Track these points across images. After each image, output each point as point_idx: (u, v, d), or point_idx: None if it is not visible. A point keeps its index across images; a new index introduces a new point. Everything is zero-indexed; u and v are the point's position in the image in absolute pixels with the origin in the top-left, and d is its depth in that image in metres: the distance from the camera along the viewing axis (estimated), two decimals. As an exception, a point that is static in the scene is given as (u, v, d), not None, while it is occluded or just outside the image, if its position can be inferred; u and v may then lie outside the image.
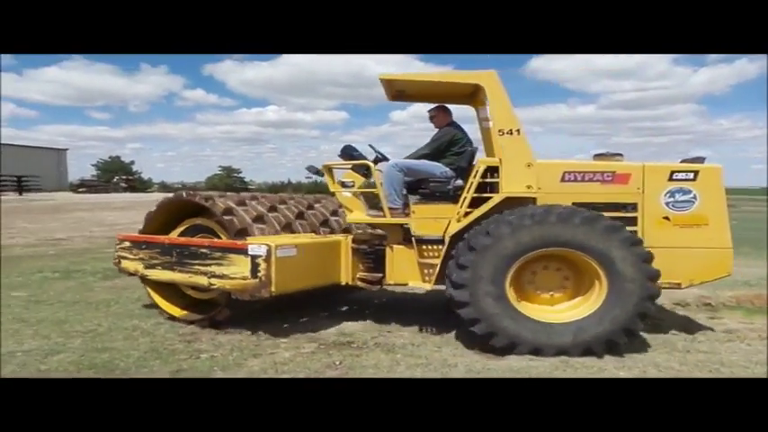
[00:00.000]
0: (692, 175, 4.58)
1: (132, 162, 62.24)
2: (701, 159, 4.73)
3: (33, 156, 51.10)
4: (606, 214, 4.37)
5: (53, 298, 6.30)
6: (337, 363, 4.08)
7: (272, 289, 4.42)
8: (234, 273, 4.57)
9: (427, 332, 4.96)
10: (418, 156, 5.14)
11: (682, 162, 4.80)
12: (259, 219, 5.23)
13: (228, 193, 5.84)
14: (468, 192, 4.69)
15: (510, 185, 4.61)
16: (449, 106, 5.49)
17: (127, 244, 5.50)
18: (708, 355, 4.31)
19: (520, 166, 4.62)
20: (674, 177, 4.59)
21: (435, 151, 5.14)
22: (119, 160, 60.96)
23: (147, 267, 5.28)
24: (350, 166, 5.12)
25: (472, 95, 5.50)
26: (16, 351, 4.25)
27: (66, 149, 59.05)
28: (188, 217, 5.57)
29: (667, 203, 4.58)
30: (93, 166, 61.06)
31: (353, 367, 3.99)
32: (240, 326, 5.08)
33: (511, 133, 4.64)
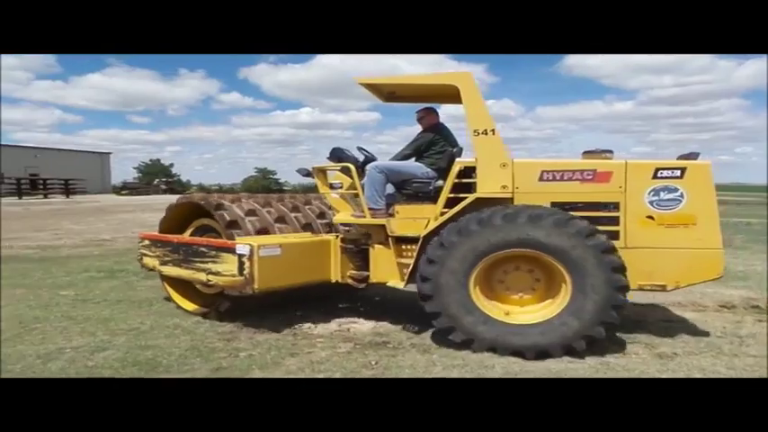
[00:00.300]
0: (678, 173, 4.39)
1: (171, 165, 64.01)
2: (694, 155, 4.55)
3: (79, 160, 53.07)
4: (587, 214, 4.35)
5: (98, 297, 6.52)
6: (373, 363, 4.10)
7: (255, 286, 4.60)
8: (226, 270, 4.81)
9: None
10: (400, 156, 5.20)
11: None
12: (251, 214, 5.47)
13: (233, 195, 6.18)
14: (445, 192, 4.71)
15: (485, 186, 4.59)
16: (436, 108, 5.50)
17: (147, 242, 5.87)
18: (757, 359, 4.15)
19: (494, 166, 4.58)
20: (659, 175, 4.42)
21: (415, 152, 5.20)
22: (159, 163, 62.78)
23: (161, 264, 5.61)
24: (339, 168, 5.24)
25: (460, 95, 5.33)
26: (65, 347, 4.42)
27: (110, 153, 61.12)
28: (197, 218, 5.89)
29: (651, 202, 4.42)
30: (134, 168, 63.09)
31: (389, 367, 4.00)
32: (277, 325, 5.17)
33: (486, 133, 4.60)
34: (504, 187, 4.58)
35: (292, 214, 5.78)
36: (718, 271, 4.36)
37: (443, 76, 4.95)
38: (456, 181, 4.67)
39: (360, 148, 5.34)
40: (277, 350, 4.41)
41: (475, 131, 4.62)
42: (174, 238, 5.61)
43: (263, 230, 5.42)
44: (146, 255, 5.87)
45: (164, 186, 51.44)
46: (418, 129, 5.37)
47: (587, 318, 4.10)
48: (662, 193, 4.41)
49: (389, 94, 5.58)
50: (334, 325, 5.27)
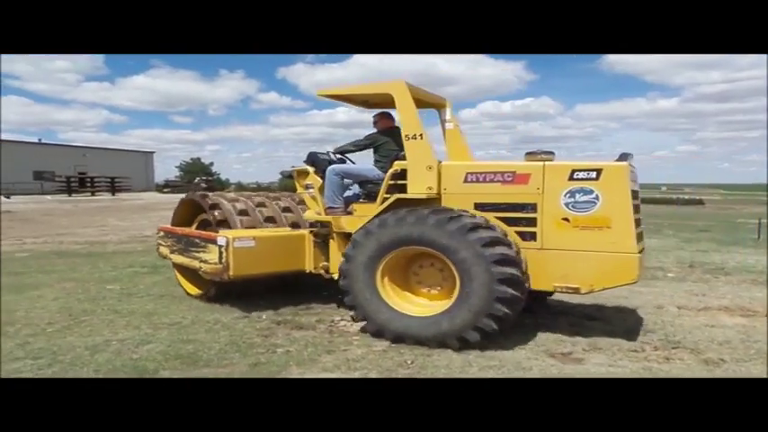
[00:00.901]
0: (594, 175, 4.34)
1: (211, 163, 65.54)
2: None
3: (124, 159, 54.90)
4: (505, 215, 4.60)
5: (142, 291, 6.73)
6: (409, 362, 4.09)
7: (231, 273, 5.20)
8: (210, 259, 5.42)
9: (502, 334, 4.86)
10: (341, 150, 5.60)
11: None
12: (243, 213, 6.03)
13: (234, 194, 6.89)
14: (381, 192, 4.98)
15: (413, 187, 4.81)
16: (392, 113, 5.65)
17: (162, 234, 6.63)
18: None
19: (421, 168, 4.78)
20: (575, 177, 4.40)
21: (357, 149, 5.56)
22: (199, 162, 64.34)
23: (171, 252, 6.32)
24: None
25: (430, 102, 5.71)
26: (112, 340, 4.58)
27: (153, 152, 62.99)
28: (200, 213, 6.54)
29: (567, 204, 4.41)
30: (176, 167, 64.84)
31: (425, 366, 3.99)
32: (314, 322, 5.22)
33: (415, 138, 4.80)
34: (429, 188, 4.76)
35: (284, 214, 6.35)
36: (633, 276, 4.26)
37: (380, 86, 5.16)
38: (391, 182, 4.92)
39: (328, 152, 5.72)
40: (313, 347, 4.45)
41: (406, 136, 4.84)
42: (179, 230, 6.33)
43: (250, 228, 5.90)
44: (161, 245, 6.59)
45: (204, 185, 52.71)
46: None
47: (474, 310, 4.27)
48: (577, 195, 4.39)
49: (362, 101, 5.88)
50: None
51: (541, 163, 4.55)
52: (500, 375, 3.85)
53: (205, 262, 5.50)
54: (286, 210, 6.43)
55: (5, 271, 8.19)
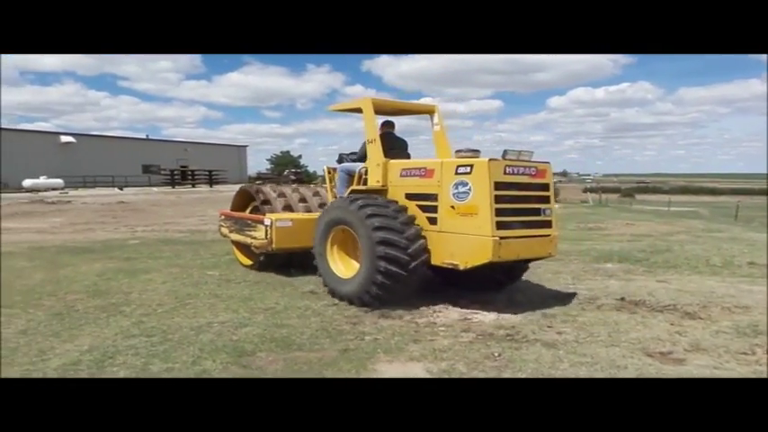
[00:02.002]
0: (468, 169, 5.10)
1: (300, 156, 67.84)
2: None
3: (220, 152, 58.11)
4: (420, 203, 5.53)
5: (239, 278, 7.14)
6: (496, 354, 4.05)
7: (274, 246, 6.68)
8: (259, 236, 6.97)
9: (594, 330, 4.69)
10: (353, 159, 6.70)
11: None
12: (281, 195, 7.69)
13: (278, 186, 8.79)
14: (354, 185, 6.27)
15: (370, 181, 6.07)
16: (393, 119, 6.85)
17: (223, 217, 8.37)
18: None
19: (373, 166, 6.02)
20: (459, 171, 5.19)
21: (361, 154, 6.50)
22: (288, 155, 66.84)
23: (230, 232, 8.03)
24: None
25: (418, 109, 7.22)
26: (213, 322, 4.91)
27: (246, 146, 66.15)
28: (252, 200, 8.06)
29: (453, 194, 5.21)
30: (267, 160, 67.79)
31: (513, 360, 3.93)
32: (400, 312, 5.29)
33: (372, 142, 6.07)
34: (377, 181, 5.95)
35: (314, 198, 7.88)
36: (488, 256, 4.91)
37: (353, 102, 6.64)
38: (365, 177, 6.22)
39: (349, 155, 6.87)
40: (400, 336, 4.52)
41: (367, 140, 6.16)
42: (236, 214, 8.06)
43: (287, 208, 7.51)
44: (222, 226, 8.33)
45: (293, 177, 54.73)
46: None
47: (365, 277, 5.36)
48: (459, 187, 5.17)
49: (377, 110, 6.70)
50: (455, 314, 5.28)
51: (440, 160, 5.56)
52: (593, 373, 3.71)
53: (255, 238, 7.06)
54: (316, 194, 8.01)
55: (122, 256, 9.01)
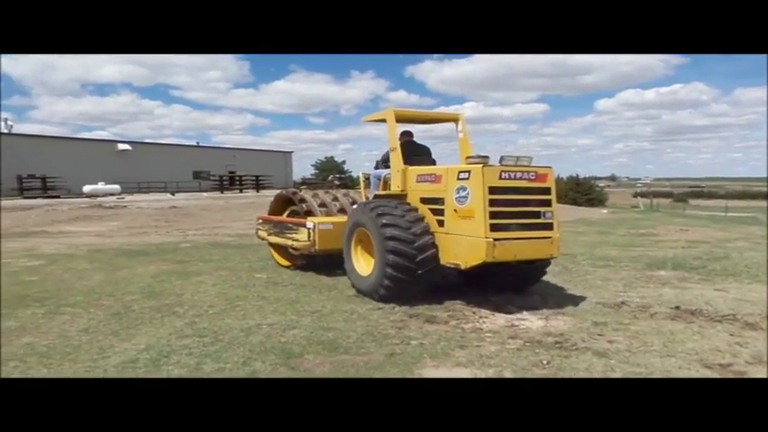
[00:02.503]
0: (467, 175, 5.42)
1: (344, 162, 68.46)
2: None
3: (266, 158, 59.35)
4: (431, 207, 5.89)
5: (286, 281, 7.28)
6: (545, 362, 3.97)
7: (317, 247, 7.10)
8: (301, 238, 7.39)
9: (647, 339, 4.53)
10: (378, 167, 7.34)
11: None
12: (322, 205, 7.97)
13: (309, 190, 9.54)
14: (378, 190, 6.87)
15: (393, 186, 6.54)
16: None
17: (260, 221, 8.96)
18: None
19: (395, 172, 6.49)
20: (459, 177, 5.51)
21: (382, 160, 7.20)
22: (333, 160, 67.58)
23: (268, 235, 8.54)
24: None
25: (444, 118, 7.81)
26: (262, 324, 5.01)
27: (291, 152, 67.36)
28: (291, 205, 8.64)
29: (456, 198, 5.54)
30: (312, 165, 68.77)
31: (563, 368, 3.84)
32: (445, 317, 5.27)
33: (393, 150, 6.53)
34: (398, 186, 6.41)
35: (345, 199, 8.26)
36: (482, 256, 5.18)
37: (379, 114, 7.06)
38: (389, 183, 6.69)
39: (379, 162, 7.40)
40: (446, 341, 4.50)
41: (390, 149, 6.60)
42: (275, 218, 8.58)
43: (325, 211, 7.89)
44: (259, 229, 8.90)
45: (337, 182, 55.33)
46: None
47: (379, 273, 5.82)
48: (460, 192, 5.49)
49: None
50: (502, 320, 5.22)
51: (446, 167, 5.89)
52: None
53: (297, 240, 7.52)
54: (354, 203, 8.11)
55: (175, 259, 9.33)
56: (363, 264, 6.38)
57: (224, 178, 44.04)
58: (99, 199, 28.46)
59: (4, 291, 6.59)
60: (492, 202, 5.23)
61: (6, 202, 24.92)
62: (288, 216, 8.56)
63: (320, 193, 8.59)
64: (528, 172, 5.48)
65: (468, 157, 5.81)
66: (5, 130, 40.59)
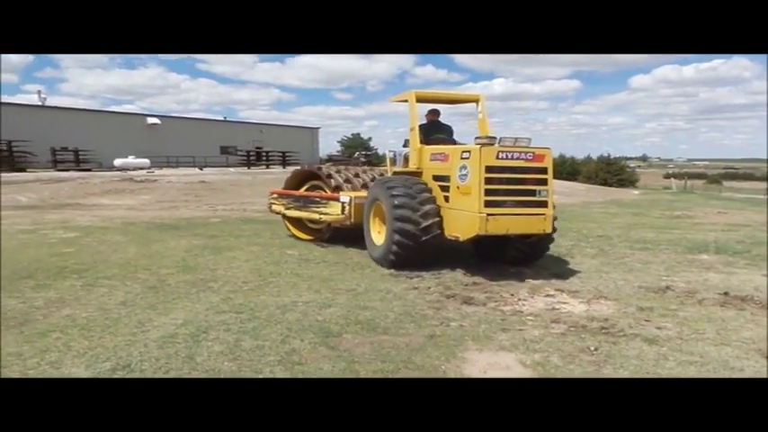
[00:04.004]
0: (468, 155, 5.85)
1: (370, 138, 68.21)
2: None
3: (293, 134, 59.39)
4: (440, 184, 6.39)
5: (318, 258, 7.23)
6: (592, 348, 3.83)
7: (352, 220, 7.38)
8: (332, 212, 7.73)
9: (698, 327, 4.34)
10: (406, 145, 7.43)
11: (475, 140, 6.01)
12: (347, 181, 8.27)
13: (333, 166, 9.77)
14: (400, 167, 7.40)
15: (411, 164, 7.00)
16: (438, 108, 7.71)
17: (275, 195, 9.22)
18: None
19: (413, 151, 6.98)
20: (462, 156, 5.93)
21: (410, 140, 7.26)
22: (359, 137, 67.44)
23: (286, 209, 8.77)
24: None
25: (465, 98, 8.03)
26: (297, 302, 4.96)
27: (318, 128, 67.15)
28: (309, 180, 8.98)
29: (458, 176, 5.98)
30: (338, 142, 68.67)
31: (612, 356, 3.70)
32: (483, 298, 5.15)
33: (413, 130, 6.99)
34: (414, 164, 6.92)
35: (363, 176, 8.59)
36: (476, 229, 5.66)
37: (403, 95, 7.36)
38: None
39: (408, 140, 7.44)
40: (487, 324, 4.38)
41: (411, 129, 7.04)
42: (297, 192, 8.78)
43: (348, 185, 8.23)
44: (273, 203, 9.19)
45: (363, 159, 55.18)
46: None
47: (387, 243, 6.38)
48: (462, 170, 5.92)
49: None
50: (541, 303, 5.07)
51: (453, 146, 6.55)
52: (703, 374, 3.44)
53: (327, 214, 7.82)
54: (374, 179, 8.28)
55: (206, 233, 9.38)
56: (378, 235, 6.94)
57: (251, 153, 44.23)
58: (129, 172, 28.87)
59: (45, 261, 6.70)
60: (488, 180, 5.66)
61: (41, 174, 25.47)
62: (307, 189, 8.82)
63: (342, 169, 8.89)
64: (526, 152, 5.81)
65: (476, 138, 6.09)
66: (39, 103, 41.34)
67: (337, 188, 8.09)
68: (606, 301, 5.12)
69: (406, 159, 7.24)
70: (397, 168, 7.33)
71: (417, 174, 6.82)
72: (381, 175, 8.19)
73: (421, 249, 6.18)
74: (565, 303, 5.06)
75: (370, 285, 5.66)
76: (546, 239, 6.44)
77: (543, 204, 5.92)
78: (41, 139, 34.43)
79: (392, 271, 6.32)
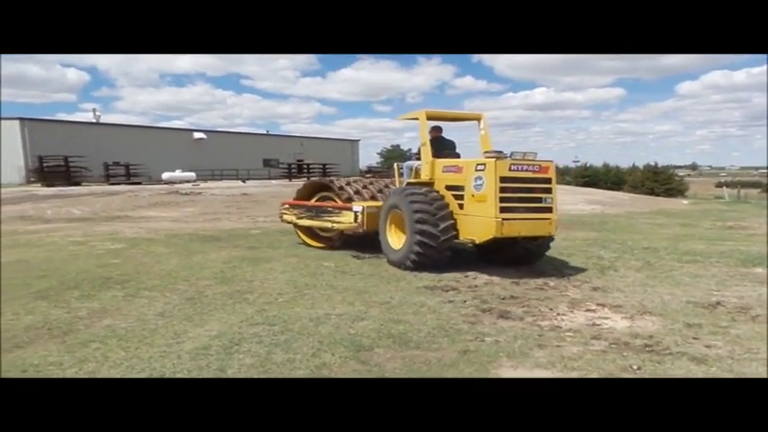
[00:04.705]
0: (483, 167, 6.59)
1: (410, 149, 67.98)
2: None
3: (334, 146, 60.13)
4: (454, 192, 7.10)
5: (353, 270, 7.22)
6: (635, 368, 3.64)
7: (365, 228, 7.98)
8: (345, 220, 8.35)
9: (752, 345, 4.08)
10: (412, 159, 8.47)
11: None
12: (356, 192, 8.89)
13: (342, 178, 10.36)
14: (410, 179, 8.02)
15: (423, 175, 7.67)
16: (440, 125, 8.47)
17: (286, 206, 9.88)
18: None
19: (425, 164, 7.65)
20: (477, 168, 6.67)
21: (416, 156, 8.28)
22: (398, 148, 67.64)
23: (297, 218, 9.44)
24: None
25: (467, 117, 8.84)
26: (331, 314, 4.95)
27: (358, 140, 67.78)
28: (320, 191, 9.57)
29: (474, 186, 6.72)
30: (377, 154, 69.06)
31: (656, 375, 3.50)
32: (520, 313, 5.01)
33: (424, 145, 7.70)
34: (427, 176, 7.58)
35: (379, 193, 8.96)
36: (492, 233, 6.39)
37: (413, 114, 8.17)
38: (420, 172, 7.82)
39: (415, 155, 8.48)
40: (523, 339, 4.24)
41: (422, 144, 7.77)
42: (310, 203, 9.40)
43: (358, 196, 8.79)
44: (285, 213, 9.86)
45: (365, 171, 55.22)
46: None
47: (407, 247, 7.06)
48: (477, 180, 6.66)
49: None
50: (581, 318, 4.89)
51: (466, 160, 7.25)
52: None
53: (340, 222, 8.44)
54: (380, 191, 9.00)
55: (246, 245, 9.53)
56: (395, 239, 7.58)
57: (292, 166, 44.97)
58: (176, 185, 29.80)
59: (92, 272, 6.94)
60: (502, 189, 6.45)
61: (95, 188, 26.59)
62: (317, 200, 9.48)
63: (351, 181, 9.60)
64: (533, 165, 6.67)
65: (485, 152, 7.09)
66: (94, 120, 43.30)
67: (348, 199, 8.64)
68: (651, 317, 4.89)
69: (416, 171, 7.93)
70: (411, 180, 7.92)
71: (429, 184, 7.49)
72: (386, 186, 9.13)
73: (440, 250, 6.89)
74: (606, 319, 4.86)
75: (404, 298, 5.59)
76: (548, 240, 7.26)
77: (549, 210, 6.79)
78: (95, 154, 36.05)
79: (427, 284, 6.25)
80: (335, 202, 9.01)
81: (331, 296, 5.70)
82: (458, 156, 7.99)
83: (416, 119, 7.91)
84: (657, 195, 35.69)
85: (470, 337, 4.30)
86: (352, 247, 8.73)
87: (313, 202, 9.46)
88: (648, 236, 11.30)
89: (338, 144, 62.62)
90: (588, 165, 51.97)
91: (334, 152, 56.56)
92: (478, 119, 8.36)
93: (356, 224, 8.09)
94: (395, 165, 8.89)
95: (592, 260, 7.96)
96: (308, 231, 9.51)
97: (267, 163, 50.77)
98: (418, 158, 8.02)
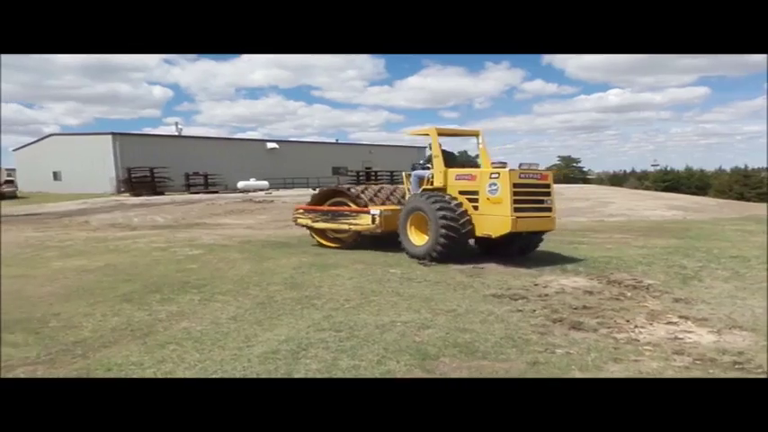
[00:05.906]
0: (497, 176, 7.99)
1: (476, 156, 67.36)
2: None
3: (401, 154, 60.34)
4: (468, 196, 8.35)
5: (420, 277, 7.18)
6: (722, 386, 3.37)
7: (382, 229, 9.19)
8: (363, 222, 9.51)
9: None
10: (415, 169, 9.77)
11: (493, 164, 8.56)
12: (370, 198, 9.97)
13: (353, 185, 11.85)
14: (422, 186, 9.19)
15: (435, 183, 8.84)
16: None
17: (301, 210, 10.79)
18: None
19: (438, 173, 8.83)
20: (492, 177, 8.05)
21: (420, 165, 9.79)
22: (466, 154, 66.58)
23: (313, 222, 10.42)
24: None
25: (467, 133, 10.44)
26: (396, 321, 4.94)
27: (425, 147, 67.63)
28: (332, 197, 10.61)
29: (488, 191, 8.04)
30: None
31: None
32: (594, 324, 4.78)
33: (437, 157, 8.83)
34: (440, 183, 8.75)
35: (387, 199, 10.17)
36: (508, 228, 7.71)
37: (421, 130, 9.87)
38: (432, 180, 8.99)
39: (415, 164, 10.03)
40: (597, 352, 4.04)
41: (433, 155, 8.98)
42: (325, 207, 10.45)
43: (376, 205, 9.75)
44: (299, 217, 10.73)
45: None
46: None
47: (432, 242, 8.28)
48: (492, 186, 7.98)
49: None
50: (662, 331, 4.60)
51: (479, 169, 8.73)
52: None
53: (357, 225, 9.56)
54: (388, 197, 10.24)
55: (314, 251, 9.74)
56: (416, 238, 8.80)
57: (360, 173, 45.59)
58: (250, 194, 30.99)
59: (171, 276, 7.33)
60: (515, 193, 7.77)
61: (176, 197, 28.15)
62: (330, 205, 10.50)
63: (363, 188, 10.64)
64: (537, 174, 8.20)
65: (493, 163, 8.62)
66: (176, 133, 45.96)
67: (364, 204, 9.83)
68: (741, 332, 4.52)
69: (427, 180, 9.10)
70: (426, 186, 9.08)
71: (443, 190, 8.72)
72: (392, 193, 10.49)
73: (461, 243, 8.26)
74: (690, 332, 4.54)
75: (470, 306, 5.49)
76: (542, 235, 8.69)
77: (549, 209, 8.30)
78: (177, 165, 38.24)
79: (494, 292, 6.10)
80: (350, 206, 10.05)
81: (397, 303, 5.69)
82: (462, 166, 9.27)
83: (427, 134, 9.27)
84: (748, 200, 33.17)
85: (540, 348, 4.15)
86: (365, 247, 9.76)
87: (326, 206, 10.52)
88: (737, 244, 10.49)
89: (406, 151, 62.80)
90: (669, 168, 49.18)
91: (401, 159, 56.74)
92: (477, 134, 9.86)
93: (374, 225, 9.30)
94: (404, 174, 10.09)
95: (673, 269, 7.49)
96: (321, 233, 10.45)
97: (336, 171, 51.81)
98: (423, 168, 9.44)
